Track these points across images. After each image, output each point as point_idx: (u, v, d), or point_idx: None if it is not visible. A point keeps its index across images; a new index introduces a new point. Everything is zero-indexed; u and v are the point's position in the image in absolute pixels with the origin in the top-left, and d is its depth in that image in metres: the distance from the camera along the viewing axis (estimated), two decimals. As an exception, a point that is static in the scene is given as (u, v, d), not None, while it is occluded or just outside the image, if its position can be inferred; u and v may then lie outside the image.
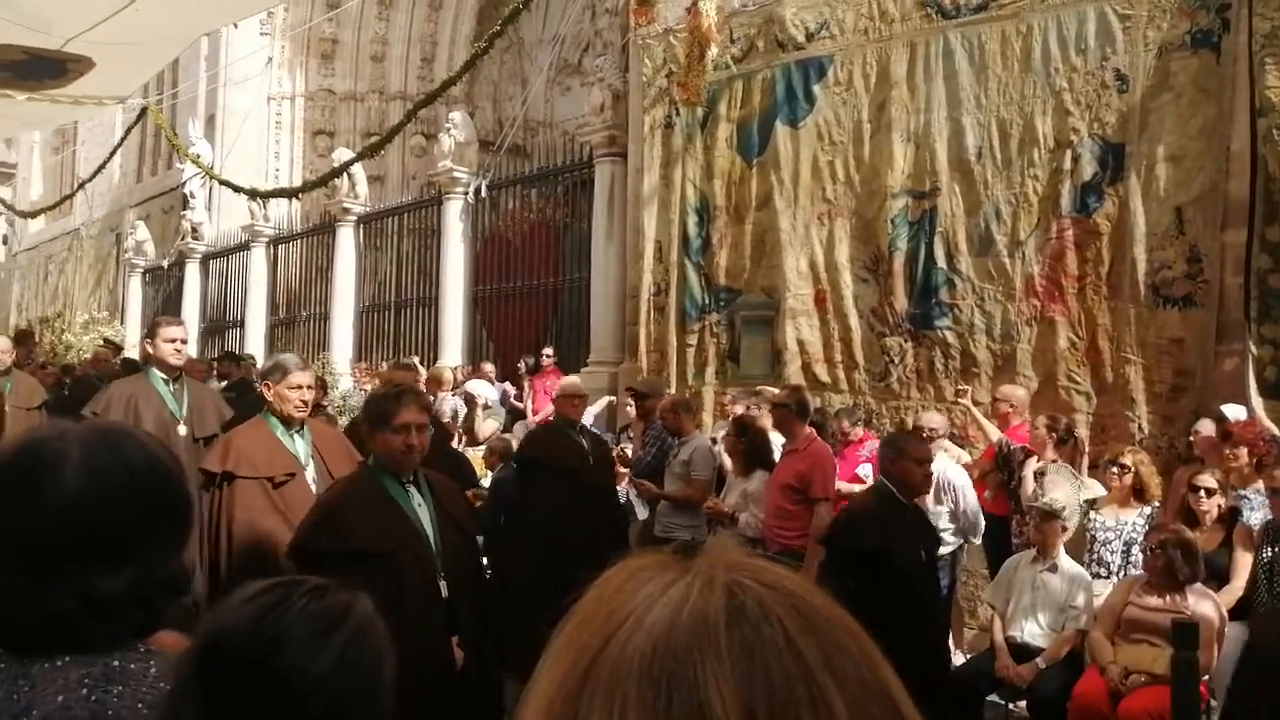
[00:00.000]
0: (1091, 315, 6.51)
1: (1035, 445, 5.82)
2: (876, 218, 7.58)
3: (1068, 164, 6.63)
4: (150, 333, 5.19)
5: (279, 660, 0.97)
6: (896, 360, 7.42)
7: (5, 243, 26.14)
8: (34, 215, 22.09)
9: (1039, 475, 5.62)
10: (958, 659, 5.86)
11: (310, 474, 4.17)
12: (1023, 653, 4.95)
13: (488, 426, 9.08)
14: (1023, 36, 6.86)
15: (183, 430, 4.99)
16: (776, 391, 6.82)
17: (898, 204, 7.45)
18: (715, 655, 0.54)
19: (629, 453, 7.43)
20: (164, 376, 5.05)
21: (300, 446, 4.23)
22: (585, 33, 14.57)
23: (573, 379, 7.18)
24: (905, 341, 7.37)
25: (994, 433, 6.28)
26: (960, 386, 6.81)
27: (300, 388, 4.22)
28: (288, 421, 4.22)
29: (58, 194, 21.74)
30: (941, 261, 7.17)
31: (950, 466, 5.85)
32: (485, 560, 4.92)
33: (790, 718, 0.53)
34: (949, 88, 7.20)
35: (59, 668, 1.13)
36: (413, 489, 3.39)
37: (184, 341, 5.20)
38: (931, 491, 5.65)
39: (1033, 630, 5.00)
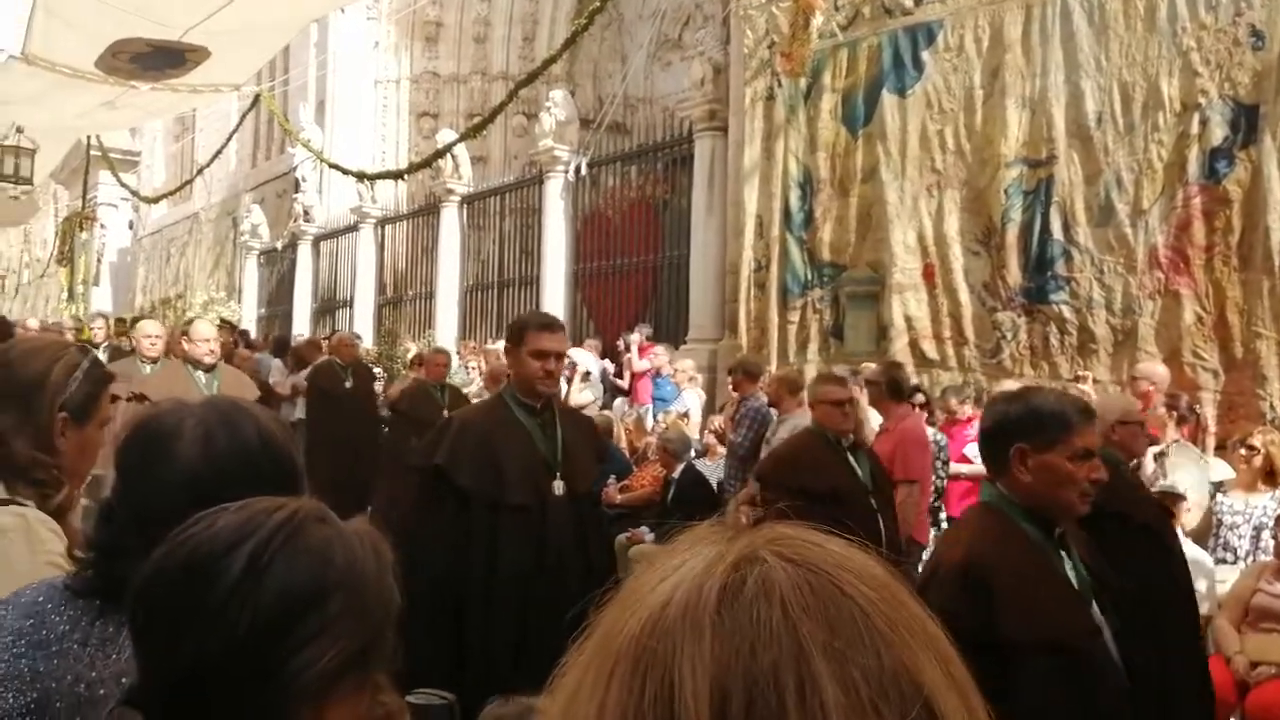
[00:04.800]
0: (1220, 288, 6.20)
1: (1155, 425, 5.56)
2: (989, 188, 7.34)
3: (1195, 128, 6.31)
4: (514, 336, 3.43)
5: (188, 590, 0.96)
6: (1009, 336, 7.19)
7: (131, 227, 27.42)
8: (156, 201, 23.04)
9: (1160, 457, 5.37)
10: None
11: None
12: (1144, 640, 4.75)
13: (583, 397, 9.00)
14: (1147, -6, 6.53)
15: (559, 488, 3.35)
16: (872, 368, 6.67)
17: (1011, 173, 7.20)
18: (697, 635, 0.52)
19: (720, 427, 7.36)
20: (529, 403, 3.42)
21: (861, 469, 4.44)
22: (685, 7, 14.46)
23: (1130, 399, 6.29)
24: (1018, 316, 7.14)
25: None
26: (1081, 372, 6.54)
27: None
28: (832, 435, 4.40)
29: (178, 180, 22.66)
30: (1058, 233, 6.92)
31: None
32: None
33: (769, 704, 0.49)
34: (1067, 50, 6.91)
35: None
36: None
37: (560, 356, 3.48)
38: None
39: (1155, 617, 4.78)
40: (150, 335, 6.53)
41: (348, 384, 9.03)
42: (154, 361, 6.34)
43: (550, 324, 3.45)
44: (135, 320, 11.92)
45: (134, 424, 1.39)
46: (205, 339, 5.90)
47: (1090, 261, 6.77)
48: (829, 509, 4.03)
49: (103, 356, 8.20)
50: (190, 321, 6.83)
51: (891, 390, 5.75)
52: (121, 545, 1.26)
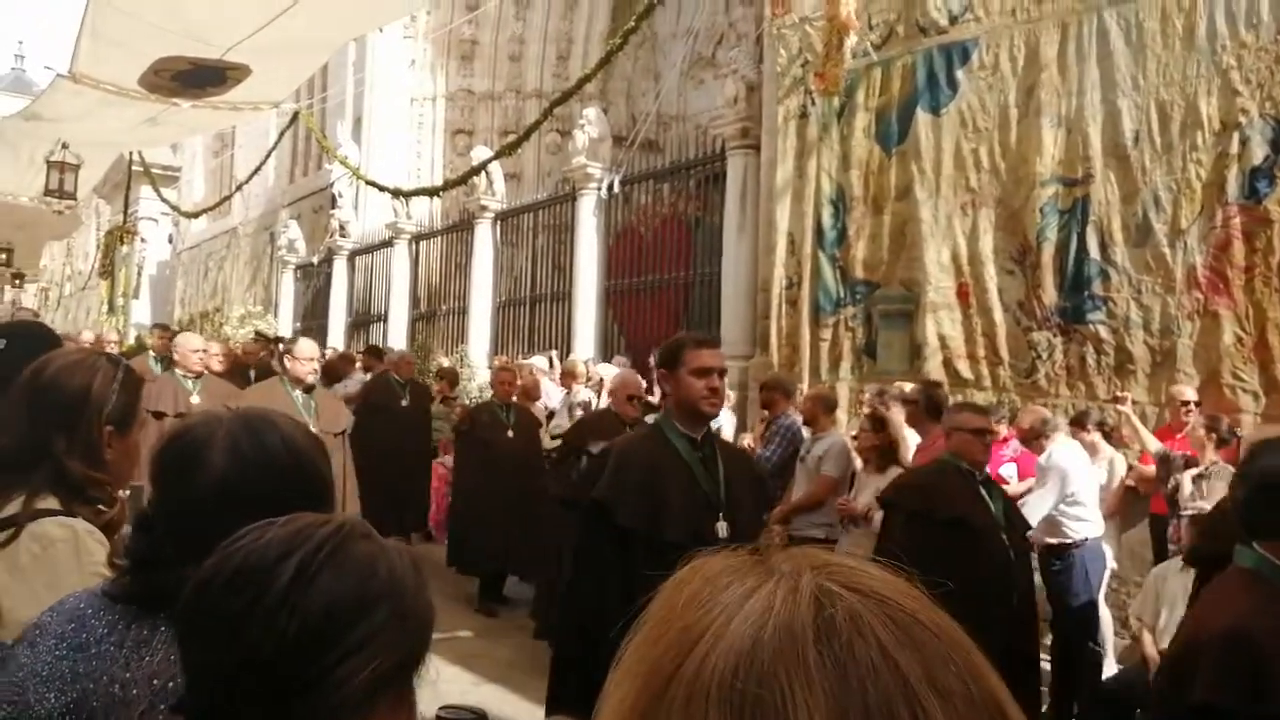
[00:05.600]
0: (1260, 309, 6.09)
1: (1194, 447, 5.49)
2: (1024, 207, 7.28)
3: (1235, 147, 6.21)
4: (670, 359, 3.13)
5: (238, 595, 0.99)
6: (1044, 356, 7.11)
7: (170, 241, 27.84)
8: (196, 215, 23.40)
9: (1199, 479, 5.30)
10: (1109, 669, 5.58)
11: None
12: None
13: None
14: (1185, 14, 6.46)
15: (723, 529, 3.04)
16: (908, 387, 6.63)
17: (1047, 192, 7.13)
18: (805, 677, 0.50)
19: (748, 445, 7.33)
20: (689, 434, 3.13)
21: (995, 504, 4.36)
22: (719, 25, 14.51)
23: None
24: (1054, 336, 7.06)
25: (1153, 443, 5.94)
26: (1120, 393, 6.46)
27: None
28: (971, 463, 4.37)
29: (217, 195, 23.00)
30: (1094, 252, 6.83)
31: (1058, 452, 5.63)
32: None
33: None
34: (1103, 69, 6.84)
35: None
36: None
37: (723, 373, 3.16)
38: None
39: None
40: (197, 350, 6.21)
41: (404, 401, 9.15)
42: (197, 376, 6.11)
43: (707, 340, 3.25)
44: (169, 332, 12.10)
45: (168, 436, 1.44)
46: (309, 358, 5.55)
47: (1128, 281, 6.68)
48: (954, 536, 3.95)
49: (157, 369, 8.24)
50: (293, 339, 6.59)
51: (929, 409, 5.71)
52: (158, 554, 1.31)
